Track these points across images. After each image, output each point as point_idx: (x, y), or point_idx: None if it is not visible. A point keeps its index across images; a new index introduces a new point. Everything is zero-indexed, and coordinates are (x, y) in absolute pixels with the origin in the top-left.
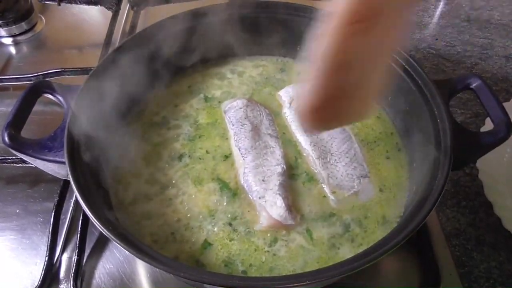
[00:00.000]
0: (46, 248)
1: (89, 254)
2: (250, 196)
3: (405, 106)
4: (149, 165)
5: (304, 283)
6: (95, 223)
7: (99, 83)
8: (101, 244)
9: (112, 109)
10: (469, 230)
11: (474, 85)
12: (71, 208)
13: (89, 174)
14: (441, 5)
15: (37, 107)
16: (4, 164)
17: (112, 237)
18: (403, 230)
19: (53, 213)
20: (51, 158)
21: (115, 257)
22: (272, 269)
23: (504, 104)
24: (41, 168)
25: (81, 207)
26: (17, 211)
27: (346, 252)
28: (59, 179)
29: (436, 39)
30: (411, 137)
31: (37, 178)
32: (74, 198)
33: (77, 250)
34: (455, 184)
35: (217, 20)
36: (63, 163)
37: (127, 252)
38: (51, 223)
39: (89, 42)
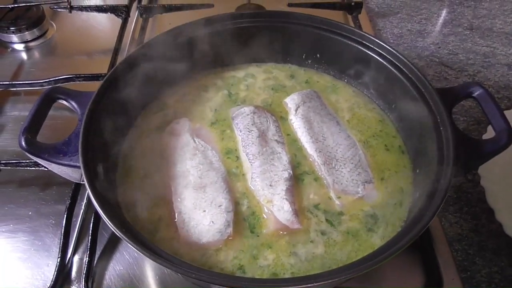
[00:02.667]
0: (58, 250)
1: (100, 255)
2: (257, 199)
3: (408, 114)
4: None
5: (311, 284)
6: (110, 226)
7: (112, 90)
8: (112, 245)
9: (125, 113)
10: (471, 235)
11: (476, 93)
12: (82, 210)
13: (102, 178)
14: (443, 13)
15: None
16: (17, 168)
17: (126, 239)
18: (406, 235)
19: (65, 215)
20: (66, 162)
21: (125, 258)
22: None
23: (506, 112)
24: (56, 171)
25: (94, 209)
26: (30, 213)
27: (348, 254)
28: (70, 182)
29: (439, 47)
30: (415, 143)
31: (49, 181)
32: (85, 201)
33: (88, 251)
34: (457, 190)
35: (224, 29)
36: (78, 167)
37: (136, 253)
38: (63, 225)
39: (99, 49)
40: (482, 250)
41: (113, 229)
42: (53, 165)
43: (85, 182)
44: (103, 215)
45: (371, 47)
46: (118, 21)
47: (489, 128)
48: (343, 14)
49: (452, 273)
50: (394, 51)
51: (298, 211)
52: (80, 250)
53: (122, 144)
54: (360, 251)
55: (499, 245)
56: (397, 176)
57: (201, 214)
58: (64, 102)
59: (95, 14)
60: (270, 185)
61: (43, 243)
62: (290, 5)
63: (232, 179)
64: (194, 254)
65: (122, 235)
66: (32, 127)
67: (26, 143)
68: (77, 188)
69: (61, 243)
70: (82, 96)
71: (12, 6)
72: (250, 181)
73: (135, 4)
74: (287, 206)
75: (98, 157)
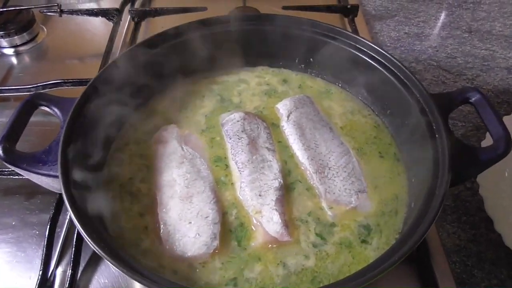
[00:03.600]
0: (40, 262)
1: (84, 268)
2: (246, 209)
3: (403, 120)
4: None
5: None
6: (88, 242)
7: (96, 96)
8: (96, 257)
9: (110, 120)
10: (469, 246)
11: (473, 99)
12: (67, 220)
13: (84, 187)
14: (442, 16)
15: (37, 118)
16: (1, 176)
17: (106, 256)
18: (401, 248)
19: (48, 227)
20: (45, 172)
21: (110, 271)
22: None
23: (506, 117)
24: (36, 181)
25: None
26: (13, 223)
27: (340, 268)
28: None
29: (437, 51)
30: (410, 150)
31: (34, 190)
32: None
33: (71, 263)
34: (455, 198)
35: (215, 32)
36: (57, 177)
37: None
38: (46, 236)
39: (89, 52)
40: (481, 262)
41: (89, 244)
42: (32, 174)
43: (63, 193)
44: (81, 229)
45: (365, 51)
46: (110, 24)
47: (488, 134)
48: (339, 17)
49: (450, 286)
50: (388, 55)
51: (288, 222)
52: (64, 262)
53: (107, 151)
54: (353, 264)
55: (498, 255)
56: (391, 184)
57: (186, 225)
58: (46, 109)
59: (86, 17)
60: (260, 195)
61: (25, 254)
62: (284, 7)
63: (220, 188)
64: (179, 266)
65: (100, 250)
66: (11, 135)
67: (3, 152)
68: (62, 197)
69: (43, 255)
70: (65, 102)
71: (1, 10)
72: (239, 190)
73: (127, 8)
74: (276, 217)
75: (80, 166)
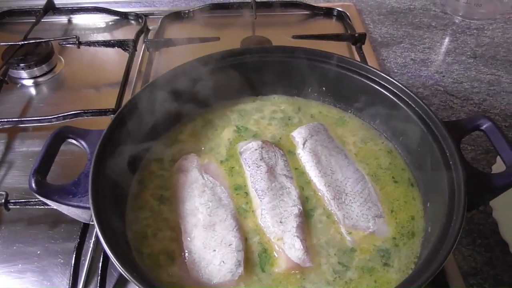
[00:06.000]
0: None
1: None
2: (268, 236)
3: (416, 147)
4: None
5: None
6: (121, 270)
7: (120, 128)
8: (121, 285)
9: (133, 151)
10: (486, 269)
11: (484, 126)
12: (90, 248)
13: (112, 217)
14: (446, 42)
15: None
16: (26, 207)
17: (137, 283)
18: (424, 273)
19: (74, 255)
20: (75, 203)
21: None
22: None
23: None
24: (65, 212)
25: (103, 250)
26: (38, 252)
27: None
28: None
29: (443, 76)
30: (424, 176)
31: (57, 219)
32: (93, 239)
33: None
34: (469, 221)
35: (229, 65)
36: (88, 208)
37: None
38: (72, 264)
39: (107, 82)
40: (498, 284)
41: (124, 274)
42: (63, 206)
43: (95, 224)
44: (115, 259)
45: (374, 79)
46: (126, 54)
47: (499, 158)
48: (347, 45)
49: None
50: (397, 83)
51: (309, 248)
52: None
53: (131, 182)
54: (376, 287)
55: None
56: (406, 207)
57: (211, 253)
58: (74, 141)
59: (103, 48)
60: (280, 222)
61: (51, 283)
62: (294, 37)
63: (242, 215)
64: None
65: (134, 280)
66: (42, 168)
67: (36, 184)
68: (86, 226)
69: (70, 284)
70: (90, 134)
71: (22, 42)
72: (260, 217)
73: (141, 38)
74: (298, 243)
75: (107, 196)
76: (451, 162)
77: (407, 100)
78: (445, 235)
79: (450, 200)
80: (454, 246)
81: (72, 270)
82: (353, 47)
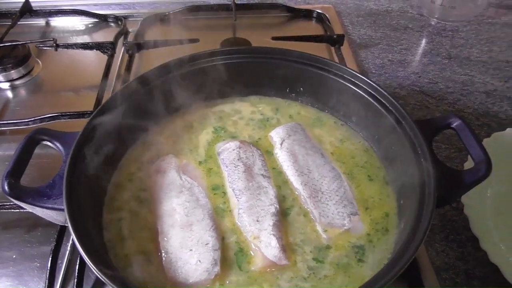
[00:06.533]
0: None
1: None
2: (245, 235)
3: (390, 145)
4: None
5: None
6: (94, 270)
7: (96, 130)
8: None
9: (110, 153)
10: (458, 264)
11: (454, 124)
12: (67, 251)
13: (87, 218)
14: (423, 43)
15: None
16: (2, 210)
17: (112, 284)
18: (393, 268)
19: (50, 259)
20: (50, 205)
21: None
22: None
23: (486, 139)
24: (40, 215)
25: (79, 253)
26: (14, 256)
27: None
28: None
29: (419, 77)
30: (398, 174)
31: (34, 222)
32: (70, 242)
33: None
34: (442, 218)
35: (208, 65)
36: (62, 210)
37: None
38: (48, 268)
39: (85, 85)
40: (469, 279)
41: (98, 275)
42: (37, 208)
43: (70, 226)
44: (88, 260)
45: (350, 80)
46: (104, 57)
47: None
48: (326, 46)
49: None
50: (372, 83)
51: (286, 246)
52: None
53: (107, 183)
54: (350, 283)
55: (486, 273)
56: (381, 205)
57: (188, 253)
58: (49, 143)
59: (81, 51)
60: (257, 221)
61: (27, 287)
62: (274, 38)
63: (219, 215)
64: None
65: (108, 281)
66: (16, 170)
67: (9, 187)
68: (63, 229)
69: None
70: (66, 137)
71: None
72: (237, 217)
73: (121, 40)
74: (274, 242)
75: (83, 198)
76: (422, 160)
77: (382, 99)
78: (415, 230)
79: (420, 196)
80: (423, 241)
81: (48, 273)
82: (332, 49)
